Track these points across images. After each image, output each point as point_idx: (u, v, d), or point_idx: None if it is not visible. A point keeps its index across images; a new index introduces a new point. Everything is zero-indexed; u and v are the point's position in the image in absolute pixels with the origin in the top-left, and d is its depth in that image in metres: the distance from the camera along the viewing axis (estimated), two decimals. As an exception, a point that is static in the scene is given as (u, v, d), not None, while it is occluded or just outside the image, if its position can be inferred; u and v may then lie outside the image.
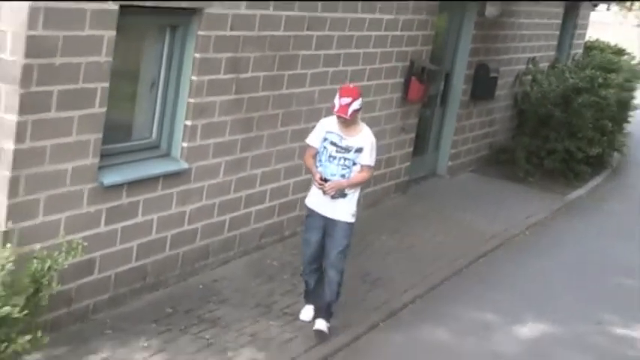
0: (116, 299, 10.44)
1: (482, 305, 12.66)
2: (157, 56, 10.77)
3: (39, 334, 8.59)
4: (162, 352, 9.79)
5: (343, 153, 10.48)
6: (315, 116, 13.14)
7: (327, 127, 10.63)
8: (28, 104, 8.87)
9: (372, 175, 11.04)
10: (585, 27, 23.61)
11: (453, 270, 13.50)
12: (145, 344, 9.85)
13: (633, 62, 22.36)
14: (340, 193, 10.46)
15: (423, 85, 15.65)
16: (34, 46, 8.79)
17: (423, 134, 17.03)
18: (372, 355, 10.78)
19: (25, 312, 8.37)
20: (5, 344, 8.22)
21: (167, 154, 11.01)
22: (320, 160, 10.62)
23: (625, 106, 20.42)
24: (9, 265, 8.48)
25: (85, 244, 9.58)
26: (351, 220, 10.67)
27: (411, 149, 16.35)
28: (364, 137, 10.59)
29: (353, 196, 10.64)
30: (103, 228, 10.04)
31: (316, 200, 10.64)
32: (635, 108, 21.24)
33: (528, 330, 12.04)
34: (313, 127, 13.13)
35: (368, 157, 10.57)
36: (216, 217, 11.80)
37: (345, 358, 10.54)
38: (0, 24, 8.76)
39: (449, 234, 14.92)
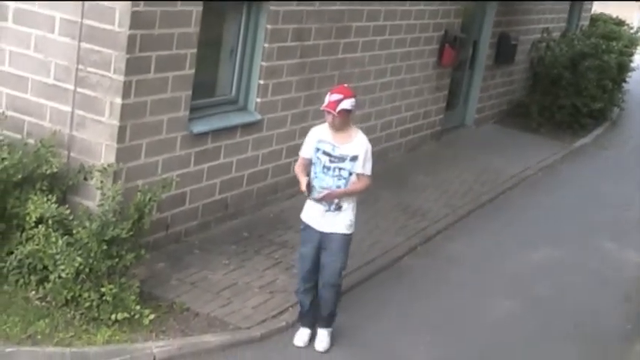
0: (203, 225, 10.57)
1: (501, 233, 12.68)
2: (236, 27, 10.82)
3: (142, 252, 8.78)
4: (240, 268, 9.92)
5: (337, 163, 8.31)
6: (365, 77, 13.23)
7: (318, 136, 8.51)
8: (132, 67, 8.98)
9: (369, 184, 8.60)
10: (591, 2, 23.40)
11: (478, 204, 13.50)
12: (226, 262, 9.99)
13: (631, 32, 22.13)
14: (336, 207, 8.41)
15: (455, 51, 15.61)
16: (137, 20, 8.89)
17: (454, 92, 16.96)
18: (411, 275, 10.82)
19: (131, 234, 8.54)
20: (116, 260, 8.41)
21: (244, 108, 11.08)
22: (315, 172, 8.49)
23: (623, 68, 20.29)
24: (118, 197, 8.66)
25: (178, 180, 9.76)
26: (348, 231, 8.54)
27: (444, 104, 16.33)
28: (358, 144, 8.40)
29: (352, 206, 8.54)
30: (192, 168, 10.15)
31: (311, 214, 8.60)
32: (632, 70, 21.06)
33: (539, 254, 12.04)
34: (364, 85, 13.23)
35: (361, 166, 8.37)
36: (284, 159, 11.86)
37: (389, 277, 10.59)
38: (110, 3, 8.85)
39: (475, 174, 14.90)
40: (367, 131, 13.44)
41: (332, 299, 8.69)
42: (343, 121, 8.33)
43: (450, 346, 9.18)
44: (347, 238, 8.58)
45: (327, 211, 8.43)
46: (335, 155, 8.32)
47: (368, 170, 8.45)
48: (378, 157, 13.88)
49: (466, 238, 12.19)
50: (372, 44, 13.18)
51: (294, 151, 11.90)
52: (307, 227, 8.63)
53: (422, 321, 9.65)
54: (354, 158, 8.33)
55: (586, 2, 22.84)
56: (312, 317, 8.85)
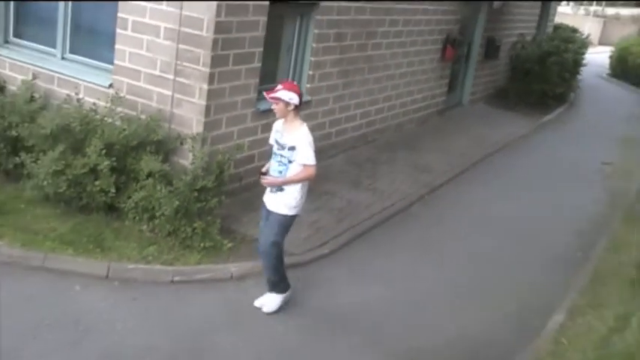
0: (267, 178, 10.63)
1: (489, 185, 12.65)
2: (291, 31, 10.81)
3: (222, 197, 8.87)
4: (294, 210, 9.98)
5: (281, 150, 7.35)
6: (387, 68, 13.17)
7: (277, 126, 7.53)
8: (215, 62, 9.03)
9: (312, 173, 7.31)
10: (554, 15, 23.13)
11: (471, 162, 13.45)
12: (284, 205, 10.05)
13: (583, 37, 21.89)
14: (278, 188, 7.38)
15: (454, 50, 15.52)
16: (219, 27, 8.93)
17: (454, 79, 16.83)
18: (419, 218, 10.80)
19: (215, 184, 8.63)
20: (204, 203, 8.52)
21: (298, 92, 11.08)
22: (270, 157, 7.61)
23: (578, 63, 20.09)
24: (205, 158, 8.74)
25: (248, 144, 9.82)
26: (285, 212, 7.39)
27: (446, 89, 16.23)
28: (299, 136, 7.24)
29: (292, 190, 7.34)
30: (258, 136, 10.19)
31: (265, 192, 7.65)
32: (584, 65, 20.85)
33: (517, 200, 12.01)
34: (387, 74, 13.20)
35: (302, 156, 7.23)
36: (327, 129, 11.88)
37: (402, 220, 10.56)
38: (198, 14, 8.88)
39: (469, 140, 14.84)
40: (389, 109, 13.66)
41: (266, 266, 7.63)
42: (280, 110, 7.25)
43: (445, 273, 9.21)
44: (283, 218, 7.43)
45: (271, 191, 7.49)
46: (280, 143, 7.38)
47: (309, 160, 7.25)
48: (396, 128, 14.06)
49: (462, 189, 12.17)
50: (393, 44, 13.12)
51: (334, 123, 12.03)
52: (262, 203, 7.68)
53: (425, 253, 9.69)
54: (291, 148, 7.25)
55: (551, 14, 22.53)
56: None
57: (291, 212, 7.44)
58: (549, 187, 12.96)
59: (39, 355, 6.50)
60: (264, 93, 7.43)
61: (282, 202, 7.39)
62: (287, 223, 7.51)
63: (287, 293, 7.81)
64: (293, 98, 7.18)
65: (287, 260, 8.59)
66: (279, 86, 7.28)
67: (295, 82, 7.22)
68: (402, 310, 8.10)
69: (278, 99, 7.20)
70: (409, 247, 9.66)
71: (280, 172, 7.38)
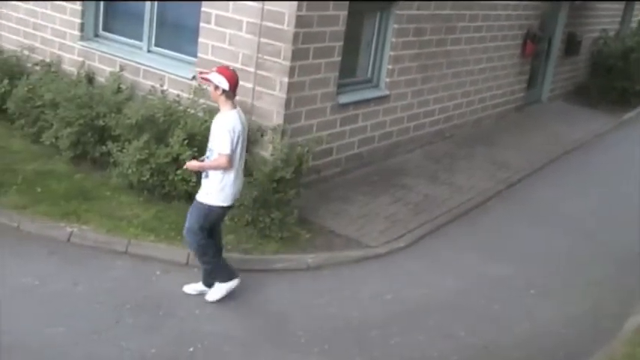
0: (344, 171, 10.60)
1: (565, 181, 12.33)
2: (371, 26, 10.72)
3: (300, 189, 8.86)
4: (370, 203, 9.94)
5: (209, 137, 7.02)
6: (466, 64, 12.96)
7: None
8: (296, 55, 9.02)
9: (222, 163, 6.78)
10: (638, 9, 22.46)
11: (549, 159, 13.12)
12: (361, 198, 10.01)
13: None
14: (205, 174, 6.99)
15: (534, 45, 15.17)
16: (300, 21, 8.92)
17: (534, 75, 16.47)
18: (496, 214, 10.58)
19: (293, 176, 8.62)
20: (282, 194, 8.53)
21: (376, 86, 11.00)
22: None
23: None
24: (285, 149, 8.74)
25: (327, 138, 9.81)
26: (202, 199, 6.99)
27: (526, 85, 15.88)
28: (218, 122, 6.84)
29: (212, 177, 6.91)
30: (338, 129, 10.17)
31: None
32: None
33: (593, 197, 11.69)
34: (466, 69, 13.01)
35: (216, 143, 6.82)
36: (405, 124, 11.76)
37: (479, 215, 10.38)
38: (280, 9, 8.88)
39: (548, 137, 14.50)
40: (467, 105, 13.45)
41: (191, 249, 7.36)
42: (212, 93, 6.94)
43: (520, 269, 9.00)
44: (200, 205, 7.03)
45: (202, 177, 7.12)
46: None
47: (221, 148, 6.78)
48: (474, 124, 13.84)
49: (539, 186, 11.89)
50: (472, 39, 12.90)
51: (413, 118, 11.90)
52: None
53: (500, 248, 9.50)
54: (211, 134, 6.93)
55: (635, 9, 21.83)
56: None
57: (207, 201, 7.00)
58: (627, 185, 12.55)
59: (120, 337, 6.60)
60: (197, 73, 6.93)
61: (203, 189, 7.04)
62: (204, 211, 7.03)
63: (230, 283, 7.34)
64: (222, 82, 6.81)
65: (363, 252, 8.62)
66: (214, 69, 7.00)
67: (231, 68, 7.06)
68: (475, 304, 7.96)
69: (208, 80, 6.92)
70: (485, 242, 9.49)
71: (208, 157, 7.01)
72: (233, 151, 6.83)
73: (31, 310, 6.85)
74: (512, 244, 9.58)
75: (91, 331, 6.64)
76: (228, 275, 7.36)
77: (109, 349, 6.43)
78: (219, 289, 7.34)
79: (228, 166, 6.85)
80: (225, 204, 7.06)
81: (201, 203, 7.04)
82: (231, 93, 6.89)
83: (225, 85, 6.82)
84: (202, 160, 7.08)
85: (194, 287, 7.45)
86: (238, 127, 6.86)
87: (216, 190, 6.95)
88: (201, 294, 7.38)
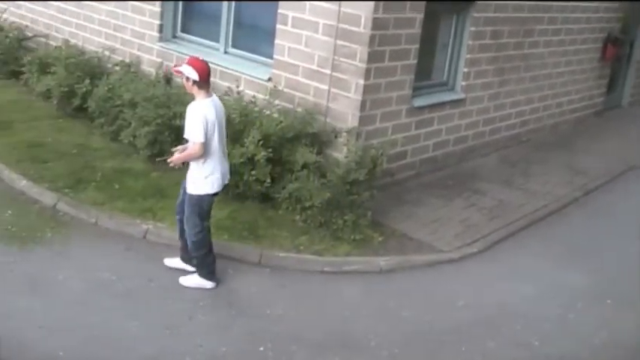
0: (418, 175, 10.54)
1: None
2: (448, 28, 10.64)
3: (374, 192, 8.83)
4: (444, 207, 9.85)
5: None
6: (544, 67, 12.77)
7: None
8: (372, 57, 9.01)
9: (195, 151, 6.90)
10: None
11: (629, 166, 12.74)
12: (434, 201, 9.92)
13: None
14: (188, 165, 7.13)
15: (615, 49, 14.83)
16: (376, 23, 8.91)
17: (614, 80, 16.10)
18: (572, 221, 10.33)
19: (367, 178, 8.62)
20: (355, 196, 8.54)
21: (452, 89, 10.90)
22: None
23: None
24: (359, 152, 8.75)
25: (402, 140, 9.77)
26: (191, 190, 7.12)
27: (605, 89, 15.53)
28: (189, 111, 6.94)
29: (193, 167, 7.07)
30: (412, 132, 10.12)
31: None
32: None
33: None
34: (543, 73, 12.80)
35: (188, 131, 6.92)
36: (481, 127, 11.62)
37: (555, 221, 10.15)
38: (356, 11, 8.89)
39: (627, 143, 14.07)
40: (544, 109, 13.23)
41: (190, 239, 7.33)
42: (185, 84, 7.02)
43: (596, 277, 8.77)
44: (189, 196, 7.15)
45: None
46: None
47: (193, 137, 6.87)
48: (551, 128, 13.60)
49: (618, 193, 11.58)
50: (551, 42, 12.68)
51: (489, 121, 11.76)
52: None
53: (576, 256, 9.29)
54: (185, 124, 7.00)
55: None
56: (182, 251, 7.64)
57: (195, 191, 7.11)
58: None
59: (193, 334, 6.69)
60: (172, 68, 7.33)
61: (189, 179, 7.15)
62: (196, 202, 7.15)
63: (207, 282, 7.44)
64: (191, 73, 6.87)
65: (436, 257, 8.55)
66: (187, 61, 7.05)
67: (202, 59, 7.10)
68: (550, 313, 7.80)
69: (179, 72, 7.00)
70: (560, 250, 9.30)
71: (186, 148, 7.08)
72: (208, 138, 6.90)
73: (107, 304, 7.01)
74: (589, 252, 9.36)
75: (164, 326, 6.76)
76: (209, 275, 7.47)
77: (181, 345, 6.53)
78: (195, 280, 7.45)
79: (201, 154, 6.92)
80: (213, 191, 7.18)
81: (191, 195, 7.15)
82: (202, 83, 6.94)
83: (194, 75, 6.89)
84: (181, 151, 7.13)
85: (174, 262, 7.64)
86: (212, 114, 6.93)
87: (201, 178, 7.07)
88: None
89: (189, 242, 7.40)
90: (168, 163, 7.24)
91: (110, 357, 6.30)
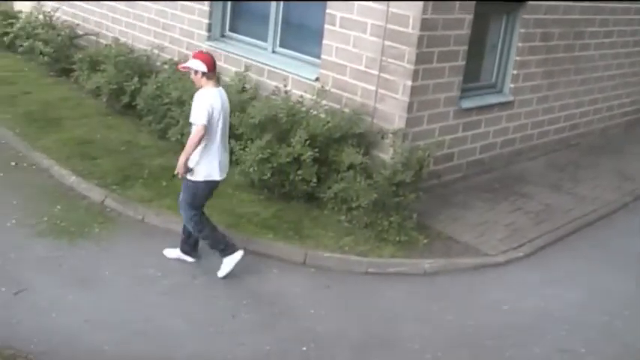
0: (465, 177, 10.46)
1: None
2: (497, 30, 10.54)
3: (420, 193, 8.80)
4: (490, 210, 9.76)
5: None
6: (595, 70, 12.58)
7: None
8: (420, 59, 8.98)
9: (199, 132, 7.04)
10: None
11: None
12: (481, 205, 9.84)
13: None
14: (189, 169, 7.23)
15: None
16: (425, 24, 8.87)
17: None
18: (622, 226, 10.14)
19: (413, 180, 8.59)
20: (401, 197, 8.51)
21: (500, 91, 10.80)
22: None
23: None
24: (405, 153, 8.72)
25: (449, 142, 9.71)
26: (189, 176, 7.27)
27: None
28: (196, 97, 7.19)
29: (197, 154, 7.17)
30: (459, 134, 10.05)
31: None
32: None
33: None
34: (594, 76, 12.61)
35: (194, 115, 7.11)
36: (529, 130, 11.49)
37: (603, 227, 9.99)
38: (405, 11, 8.86)
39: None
40: (594, 112, 13.04)
41: (187, 225, 7.53)
42: (194, 78, 7.29)
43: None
44: (186, 182, 7.35)
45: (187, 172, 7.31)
46: None
47: (196, 119, 7.08)
48: (600, 132, 13.40)
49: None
50: (602, 45, 12.49)
51: (538, 125, 11.64)
52: None
53: (625, 263, 9.11)
54: (191, 110, 7.23)
55: None
56: (183, 242, 7.79)
57: (191, 177, 7.27)
58: None
59: (236, 332, 6.73)
60: (179, 66, 7.61)
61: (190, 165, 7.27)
62: (190, 188, 7.33)
63: (234, 255, 7.53)
64: (200, 66, 7.17)
65: (482, 260, 8.49)
66: (192, 56, 7.36)
67: (206, 51, 7.53)
68: (596, 320, 7.68)
69: (187, 67, 7.29)
70: (608, 256, 9.16)
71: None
72: (210, 124, 7.09)
73: (152, 300, 7.09)
74: (637, 258, 9.21)
75: (207, 323, 6.81)
76: (231, 248, 7.56)
77: (224, 343, 6.58)
78: (226, 265, 7.55)
79: (202, 135, 7.06)
80: (208, 179, 7.31)
81: (188, 180, 7.33)
82: (210, 73, 7.23)
83: (203, 67, 7.18)
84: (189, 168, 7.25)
85: (174, 252, 7.79)
86: (217, 103, 7.17)
87: (199, 165, 7.22)
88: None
89: (189, 228, 7.58)
90: (178, 176, 7.40)
91: (154, 353, 6.37)
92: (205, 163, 7.26)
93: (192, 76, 7.30)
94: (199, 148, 7.17)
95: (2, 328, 6.36)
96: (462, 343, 7.01)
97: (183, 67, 7.42)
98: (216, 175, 7.35)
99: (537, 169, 11.48)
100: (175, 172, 7.35)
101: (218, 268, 7.62)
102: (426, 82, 9.20)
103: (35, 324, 6.52)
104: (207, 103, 7.11)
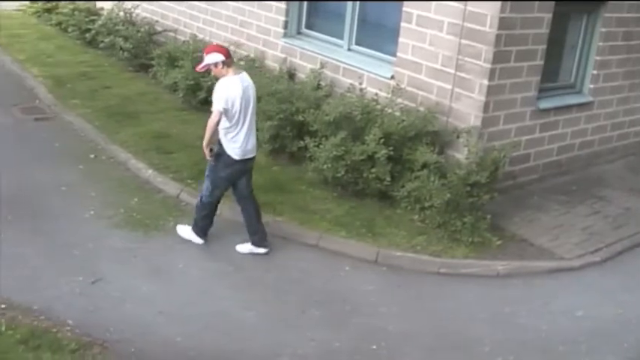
0: (541, 179, 10.27)
1: None
2: (577, 29, 10.32)
3: (494, 194, 8.69)
4: (567, 213, 9.55)
5: None
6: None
7: None
8: (497, 58, 8.87)
9: (214, 117, 7.36)
10: None
11: None
12: (557, 207, 9.65)
13: None
14: (215, 155, 7.63)
15: None
16: (503, 23, 8.76)
17: None
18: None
19: (488, 180, 8.48)
20: (475, 198, 8.41)
21: (579, 91, 10.57)
22: None
23: None
24: (480, 153, 8.64)
25: (525, 143, 9.57)
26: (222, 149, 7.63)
27: None
28: (216, 85, 7.48)
29: (223, 134, 7.54)
30: (536, 135, 9.89)
31: None
32: None
33: None
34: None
35: (214, 101, 7.42)
36: (608, 132, 11.21)
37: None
38: (483, 10, 8.76)
39: None
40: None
41: (199, 199, 7.96)
42: (214, 72, 7.55)
43: None
44: (209, 165, 7.76)
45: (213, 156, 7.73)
46: None
47: (214, 105, 7.40)
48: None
49: None
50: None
51: (618, 126, 11.36)
52: None
53: None
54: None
55: None
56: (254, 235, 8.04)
57: (223, 150, 7.59)
58: None
59: (306, 328, 6.77)
60: (196, 69, 7.87)
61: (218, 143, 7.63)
62: (222, 157, 7.61)
63: (197, 237, 7.96)
64: (217, 57, 7.43)
65: (557, 264, 8.36)
66: (204, 56, 7.55)
67: (215, 43, 8.00)
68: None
69: (207, 66, 7.53)
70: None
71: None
72: (229, 109, 7.36)
73: (224, 293, 7.19)
74: None
75: (278, 318, 6.87)
76: (200, 232, 7.96)
77: (294, 338, 6.62)
78: (187, 233, 7.99)
79: (217, 120, 7.38)
80: (235, 157, 7.59)
81: (222, 149, 7.61)
82: (228, 61, 7.48)
83: (220, 57, 7.44)
84: (211, 150, 7.63)
85: (245, 247, 7.95)
86: (237, 90, 7.39)
87: (226, 142, 7.55)
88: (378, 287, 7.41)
89: (198, 199, 7.93)
90: (209, 158, 7.68)
91: (225, 345, 6.45)
92: (232, 142, 7.54)
93: (214, 70, 7.55)
94: (222, 131, 7.52)
95: (80, 316, 6.53)
96: (534, 347, 6.90)
97: (202, 68, 7.65)
98: (239, 156, 7.61)
99: (616, 172, 11.21)
100: (206, 156, 7.65)
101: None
102: (502, 81, 9.07)
103: (110, 313, 6.68)
104: (225, 90, 7.38)
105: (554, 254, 8.55)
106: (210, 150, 7.61)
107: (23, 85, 12.40)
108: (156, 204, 8.78)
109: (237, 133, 7.54)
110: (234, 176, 7.77)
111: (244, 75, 7.64)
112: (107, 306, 6.77)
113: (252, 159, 7.82)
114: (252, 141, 7.73)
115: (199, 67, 7.70)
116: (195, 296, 7.11)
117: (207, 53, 7.53)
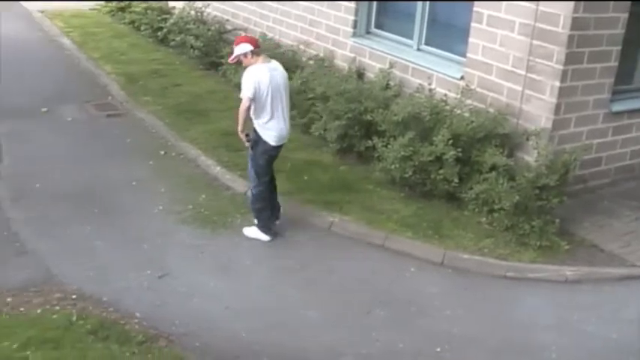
0: (613, 183, 10.04)
1: None
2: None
3: (564, 198, 8.53)
4: (638, 220, 9.27)
5: None
6: None
7: None
8: (569, 59, 8.71)
9: (244, 104, 7.60)
10: None
11: None
12: (629, 213, 9.39)
13: None
14: (253, 140, 7.90)
15: None
16: (576, 23, 8.60)
17: None
18: None
19: (558, 184, 8.34)
20: (544, 201, 8.29)
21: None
22: None
23: None
24: (550, 156, 8.50)
25: (597, 146, 9.39)
26: (251, 145, 7.94)
27: None
28: (245, 73, 7.70)
29: (256, 121, 7.80)
30: (609, 138, 9.68)
31: None
32: None
33: None
34: None
35: (242, 88, 7.65)
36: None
37: None
38: (556, 10, 8.63)
39: None
40: None
41: (250, 193, 8.24)
42: (244, 62, 7.76)
43: None
44: (250, 153, 8.03)
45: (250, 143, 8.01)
46: None
47: (243, 93, 7.64)
48: None
49: None
50: None
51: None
52: None
53: None
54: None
55: None
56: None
57: (260, 135, 7.83)
58: None
59: (371, 328, 6.77)
60: (230, 59, 8.01)
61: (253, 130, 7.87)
62: (260, 143, 7.85)
63: (263, 235, 8.09)
64: (246, 48, 7.68)
65: (628, 271, 8.17)
66: (234, 48, 7.79)
67: (243, 34, 8.37)
68: None
69: (237, 57, 7.76)
70: None
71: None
72: (258, 97, 7.58)
73: (290, 291, 7.24)
74: None
75: (342, 317, 6.89)
76: (265, 229, 8.09)
77: (358, 338, 6.63)
78: (254, 232, 8.12)
79: (247, 106, 7.61)
80: (272, 143, 7.84)
81: (258, 136, 7.85)
82: (257, 50, 7.74)
83: (249, 47, 7.68)
84: (247, 134, 7.90)
85: (251, 231, 8.17)
86: (265, 78, 7.59)
87: (260, 127, 7.80)
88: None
89: (248, 194, 8.26)
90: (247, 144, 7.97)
91: (289, 343, 6.50)
92: (265, 128, 7.77)
93: (244, 61, 7.75)
94: (254, 119, 7.78)
95: (147, 309, 6.66)
96: (602, 356, 6.77)
97: (233, 59, 7.87)
98: (273, 142, 7.84)
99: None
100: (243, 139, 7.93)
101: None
102: (575, 83, 8.92)
103: (177, 307, 6.79)
104: (254, 77, 7.59)
105: (625, 261, 8.35)
106: (247, 135, 7.89)
107: (97, 82, 12.71)
108: (224, 201, 8.89)
109: (270, 119, 7.77)
110: (271, 161, 8.07)
111: (274, 63, 7.87)
112: (174, 300, 6.89)
113: (283, 144, 8.11)
114: (287, 126, 7.97)
115: (230, 59, 7.96)
116: (261, 293, 7.17)
117: (236, 45, 7.79)
